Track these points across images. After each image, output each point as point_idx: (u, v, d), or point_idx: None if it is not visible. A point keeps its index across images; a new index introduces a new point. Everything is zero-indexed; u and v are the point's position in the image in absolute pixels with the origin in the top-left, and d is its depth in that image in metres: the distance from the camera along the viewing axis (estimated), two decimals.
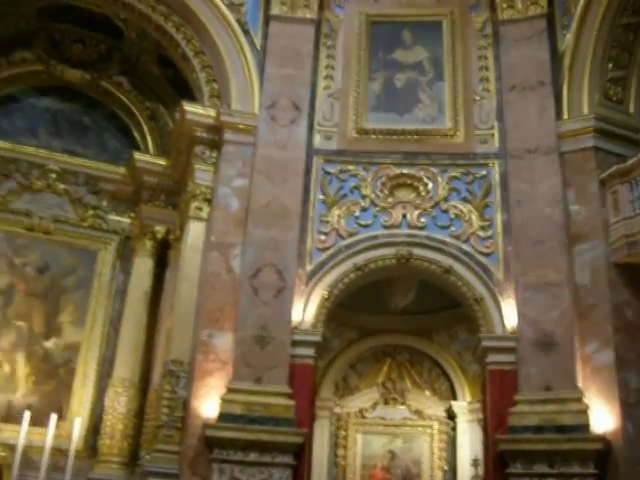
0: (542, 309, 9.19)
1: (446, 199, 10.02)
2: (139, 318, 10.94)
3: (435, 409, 11.54)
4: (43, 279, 11.24)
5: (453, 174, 10.17)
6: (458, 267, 9.63)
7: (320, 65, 10.78)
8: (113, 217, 11.75)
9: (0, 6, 10.86)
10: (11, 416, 10.32)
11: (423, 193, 10.08)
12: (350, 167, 10.25)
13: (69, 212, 11.56)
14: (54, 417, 9.97)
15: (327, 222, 9.95)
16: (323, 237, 9.87)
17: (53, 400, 10.63)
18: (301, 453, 8.90)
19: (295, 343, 9.27)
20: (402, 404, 11.61)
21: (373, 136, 10.40)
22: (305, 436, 8.92)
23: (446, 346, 11.74)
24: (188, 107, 10.46)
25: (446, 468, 11.20)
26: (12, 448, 9.77)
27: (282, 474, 8.69)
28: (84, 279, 11.38)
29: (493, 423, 9.00)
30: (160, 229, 11.44)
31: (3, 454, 9.89)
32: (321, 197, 10.10)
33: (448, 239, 9.79)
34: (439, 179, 10.14)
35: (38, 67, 12.08)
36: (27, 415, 9.86)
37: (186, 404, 9.24)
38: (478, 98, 10.50)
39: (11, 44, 11.76)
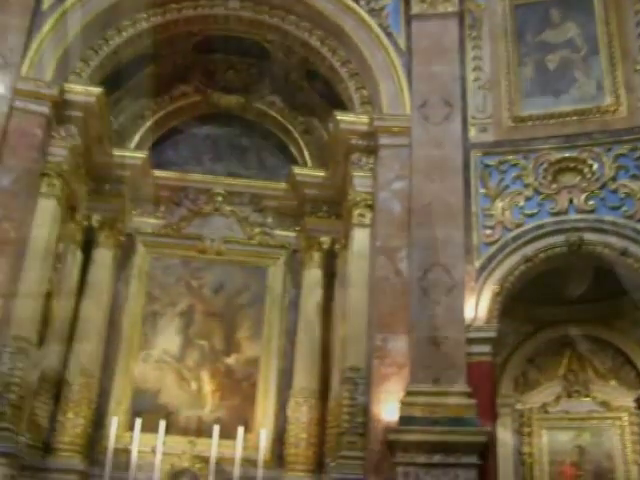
0: None
1: (614, 179, 9.58)
2: (313, 329, 11.14)
3: (623, 400, 11.02)
4: (219, 298, 11.72)
5: (619, 152, 9.70)
6: (634, 249, 9.22)
7: (467, 57, 10.61)
8: (279, 232, 12.05)
9: (158, 49, 11.46)
10: (202, 430, 10.76)
11: (588, 175, 9.69)
12: (509, 157, 10.03)
13: (237, 232, 11.99)
14: (241, 430, 10.33)
15: (491, 215, 9.78)
16: (488, 231, 9.71)
17: (239, 413, 11.02)
18: (485, 452, 8.73)
19: (470, 341, 9.16)
20: (586, 396, 11.20)
21: (530, 123, 10.14)
22: (489, 435, 8.75)
23: (629, 333, 11.22)
24: (341, 117, 10.65)
25: None
26: (206, 460, 10.19)
27: (468, 474, 8.58)
28: (257, 295, 11.74)
29: None
30: (325, 239, 11.64)
31: (198, 466, 10.34)
32: (482, 191, 9.93)
33: (621, 220, 9.34)
34: (604, 159, 9.72)
35: (197, 98, 12.68)
36: (217, 429, 10.26)
37: (366, 410, 9.32)
38: None
39: (171, 80, 12.39)
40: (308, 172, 11.99)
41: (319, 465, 10.44)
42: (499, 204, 9.83)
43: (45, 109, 10.04)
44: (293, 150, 12.73)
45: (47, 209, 10.02)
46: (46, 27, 10.39)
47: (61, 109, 10.27)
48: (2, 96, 9.85)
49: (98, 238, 11.43)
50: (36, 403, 10.07)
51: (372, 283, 9.82)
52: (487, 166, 10.05)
